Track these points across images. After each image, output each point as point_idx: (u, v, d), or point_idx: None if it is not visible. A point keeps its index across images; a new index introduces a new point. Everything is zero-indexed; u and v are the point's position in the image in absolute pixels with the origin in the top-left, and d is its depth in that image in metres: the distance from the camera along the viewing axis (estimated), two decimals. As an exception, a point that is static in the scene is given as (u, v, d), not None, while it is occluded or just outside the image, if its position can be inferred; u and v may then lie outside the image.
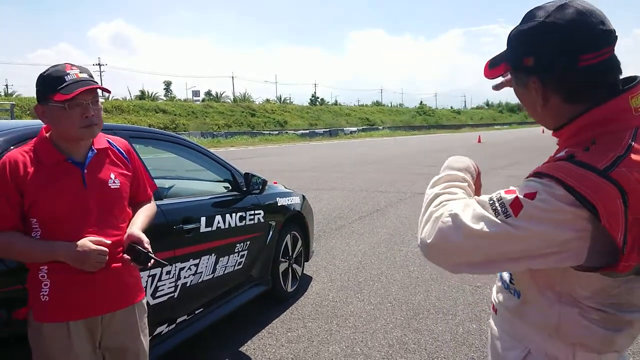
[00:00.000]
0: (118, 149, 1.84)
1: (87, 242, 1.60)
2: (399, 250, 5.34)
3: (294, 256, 4.11)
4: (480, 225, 0.87)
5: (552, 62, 0.91)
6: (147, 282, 2.46)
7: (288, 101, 67.19)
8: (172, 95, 60.75)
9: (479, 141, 28.30)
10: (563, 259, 0.87)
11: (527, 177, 0.90)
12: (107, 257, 1.63)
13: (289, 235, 3.99)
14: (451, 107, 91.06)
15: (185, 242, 2.75)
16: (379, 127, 55.45)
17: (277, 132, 42.24)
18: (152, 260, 1.71)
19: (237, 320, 3.50)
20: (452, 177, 1.10)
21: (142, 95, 51.94)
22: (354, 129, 49.82)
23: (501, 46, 1.05)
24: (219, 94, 64.23)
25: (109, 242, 1.65)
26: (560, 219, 0.83)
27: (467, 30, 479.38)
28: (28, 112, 29.76)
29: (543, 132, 33.12)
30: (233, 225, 3.20)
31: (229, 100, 58.69)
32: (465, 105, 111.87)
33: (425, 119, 69.87)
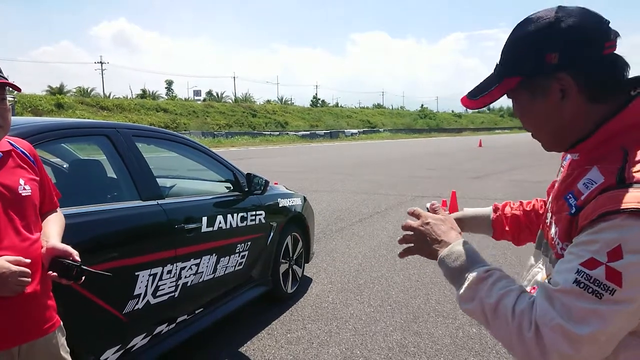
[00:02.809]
0: (23, 152, 1.57)
1: (4, 262, 1.34)
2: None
3: (295, 257, 4.11)
4: (594, 324, 0.75)
5: (579, 53, 0.86)
6: (147, 281, 2.45)
7: (289, 102, 67.29)
8: (174, 94, 60.99)
9: (480, 145, 28.30)
10: None
11: (586, 225, 0.79)
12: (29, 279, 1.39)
13: (289, 237, 3.99)
14: (452, 111, 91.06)
15: (187, 241, 2.75)
16: (380, 130, 55.52)
17: (277, 132, 42.32)
18: (87, 274, 1.48)
19: (237, 321, 3.50)
20: (488, 272, 0.92)
21: (144, 94, 52.08)
22: (355, 131, 49.90)
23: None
24: (220, 94, 64.36)
25: (28, 261, 1.39)
26: None
27: (469, 35, 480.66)
28: (29, 109, 29.79)
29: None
30: (234, 225, 3.20)
31: (230, 100, 58.78)
32: (466, 109, 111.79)
33: (426, 122, 69.98)
